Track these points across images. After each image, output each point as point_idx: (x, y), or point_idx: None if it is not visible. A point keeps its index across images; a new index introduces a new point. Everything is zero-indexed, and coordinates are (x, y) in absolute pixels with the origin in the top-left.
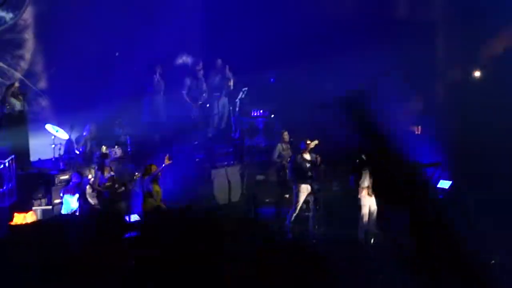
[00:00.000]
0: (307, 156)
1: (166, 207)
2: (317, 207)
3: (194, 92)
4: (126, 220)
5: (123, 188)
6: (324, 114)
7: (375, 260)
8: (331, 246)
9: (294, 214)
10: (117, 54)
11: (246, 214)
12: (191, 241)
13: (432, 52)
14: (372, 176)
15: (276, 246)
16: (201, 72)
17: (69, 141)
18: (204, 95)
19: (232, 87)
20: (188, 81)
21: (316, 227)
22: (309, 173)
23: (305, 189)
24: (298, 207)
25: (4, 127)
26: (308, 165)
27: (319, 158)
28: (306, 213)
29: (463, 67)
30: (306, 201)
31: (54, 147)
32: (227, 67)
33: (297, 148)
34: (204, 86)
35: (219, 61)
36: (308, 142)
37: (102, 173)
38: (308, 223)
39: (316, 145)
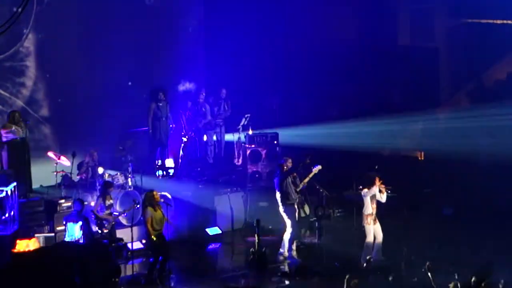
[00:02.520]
0: (296, 179)
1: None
2: (320, 234)
3: (194, 116)
4: (128, 248)
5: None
6: None
7: None
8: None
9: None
10: (129, 83)
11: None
12: None
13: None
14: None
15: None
16: (202, 98)
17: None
18: (203, 121)
19: (228, 114)
20: (189, 105)
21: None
22: (297, 196)
23: (295, 212)
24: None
25: (6, 154)
26: (295, 187)
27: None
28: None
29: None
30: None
31: (56, 174)
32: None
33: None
34: (204, 112)
35: (224, 91)
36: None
37: (104, 200)
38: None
39: (319, 170)
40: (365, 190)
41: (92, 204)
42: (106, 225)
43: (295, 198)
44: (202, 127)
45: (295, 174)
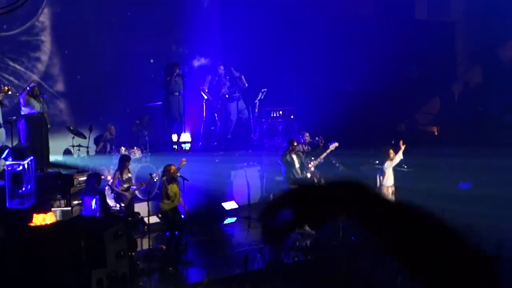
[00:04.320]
0: (294, 156)
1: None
2: None
3: (215, 89)
4: (145, 222)
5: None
6: None
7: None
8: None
9: None
10: (151, 61)
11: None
12: None
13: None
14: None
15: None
16: (223, 71)
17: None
18: (223, 91)
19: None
20: (209, 78)
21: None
22: (300, 174)
23: None
24: None
25: (24, 128)
26: (298, 165)
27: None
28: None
29: (482, 68)
30: None
31: (73, 149)
32: (233, 70)
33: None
34: (225, 85)
35: (222, 67)
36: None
37: (121, 174)
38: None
39: (336, 147)
40: (387, 162)
41: (109, 178)
42: (124, 199)
43: (298, 177)
44: (227, 98)
45: (300, 152)
